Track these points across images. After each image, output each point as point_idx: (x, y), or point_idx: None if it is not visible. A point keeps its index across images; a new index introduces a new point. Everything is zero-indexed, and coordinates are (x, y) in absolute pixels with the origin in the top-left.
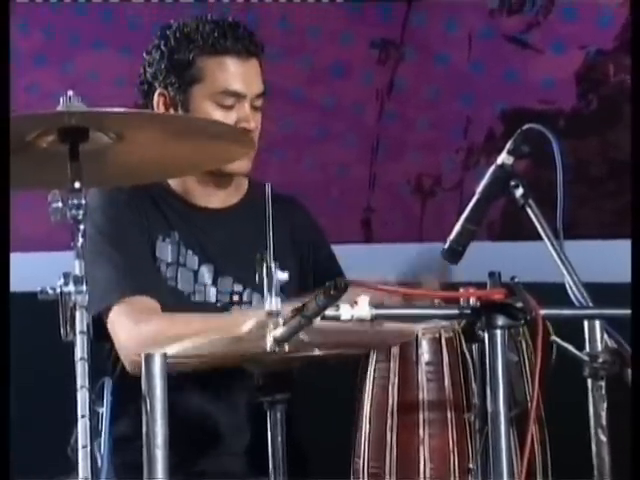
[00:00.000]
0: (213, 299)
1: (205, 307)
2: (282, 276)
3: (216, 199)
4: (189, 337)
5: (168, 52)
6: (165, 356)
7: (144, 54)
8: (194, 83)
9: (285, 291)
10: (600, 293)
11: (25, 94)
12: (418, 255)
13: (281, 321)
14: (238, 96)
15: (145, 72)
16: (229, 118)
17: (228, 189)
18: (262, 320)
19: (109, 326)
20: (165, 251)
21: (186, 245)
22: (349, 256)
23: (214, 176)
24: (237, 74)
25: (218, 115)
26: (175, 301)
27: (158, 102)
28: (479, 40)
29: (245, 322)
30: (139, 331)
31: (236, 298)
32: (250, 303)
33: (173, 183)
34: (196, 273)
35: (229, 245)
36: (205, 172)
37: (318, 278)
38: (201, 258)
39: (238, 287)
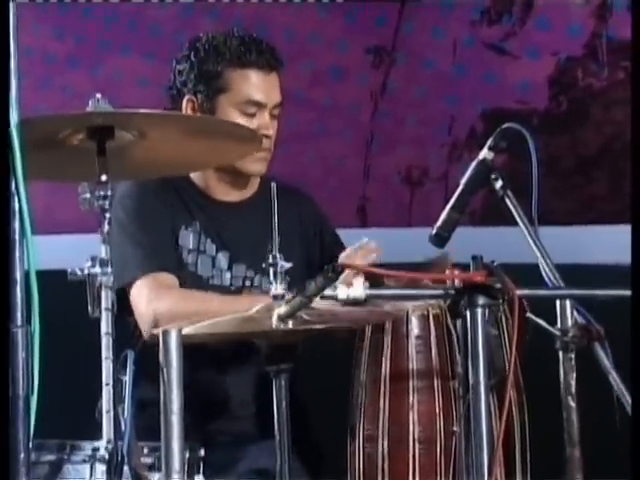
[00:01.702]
0: (228, 283)
1: (221, 290)
2: (285, 265)
3: (233, 194)
4: (202, 314)
5: (198, 63)
6: (180, 331)
7: (174, 62)
8: (220, 92)
9: (292, 276)
10: (570, 273)
11: (59, 94)
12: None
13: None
14: (259, 105)
15: (175, 79)
16: (251, 125)
17: (244, 186)
18: (269, 304)
19: (131, 298)
20: (187, 239)
21: (206, 234)
22: (346, 239)
23: (233, 175)
24: (259, 86)
25: (241, 122)
26: (195, 284)
27: (186, 107)
28: (462, 47)
29: (253, 304)
30: (157, 303)
31: (248, 283)
32: (260, 287)
33: (196, 179)
34: (214, 259)
35: (243, 234)
36: (225, 171)
37: (325, 259)
38: (218, 246)
39: (250, 273)
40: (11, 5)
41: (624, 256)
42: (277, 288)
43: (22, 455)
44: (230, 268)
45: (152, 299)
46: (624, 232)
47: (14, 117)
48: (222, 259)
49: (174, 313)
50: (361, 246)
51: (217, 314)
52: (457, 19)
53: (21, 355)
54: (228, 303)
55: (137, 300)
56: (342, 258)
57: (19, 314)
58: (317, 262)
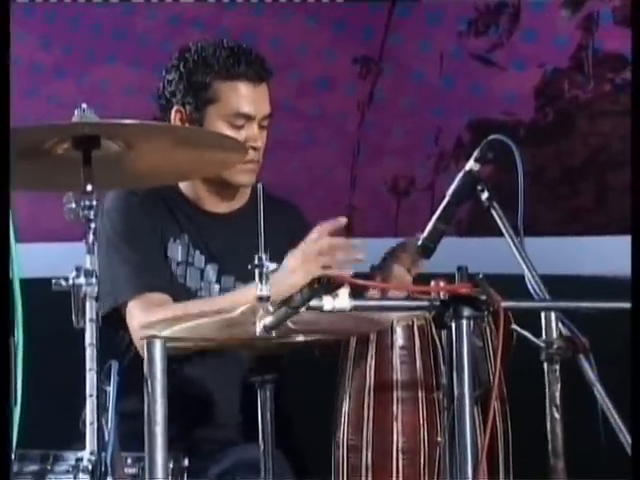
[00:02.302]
0: (217, 295)
1: None
2: (271, 266)
3: (222, 205)
4: (186, 317)
5: (187, 73)
6: (164, 342)
7: (163, 72)
8: (209, 104)
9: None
10: (555, 284)
11: (46, 103)
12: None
13: (270, 307)
14: (248, 117)
15: (164, 89)
16: (239, 137)
17: (233, 197)
18: (253, 306)
19: (127, 319)
20: (176, 251)
21: (194, 246)
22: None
23: (222, 186)
24: (248, 97)
25: (229, 133)
26: (184, 296)
27: (175, 117)
28: (449, 58)
29: (239, 302)
30: (150, 321)
31: None
32: None
33: (185, 190)
34: (202, 271)
35: (232, 246)
36: (214, 183)
37: None
38: (207, 258)
39: (239, 285)
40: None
41: (610, 267)
42: (262, 289)
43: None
44: (219, 280)
45: (143, 320)
46: (610, 243)
47: None
48: (211, 271)
49: (161, 326)
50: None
51: (201, 314)
52: (444, 30)
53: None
54: (209, 303)
55: (131, 321)
56: (313, 233)
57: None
58: None
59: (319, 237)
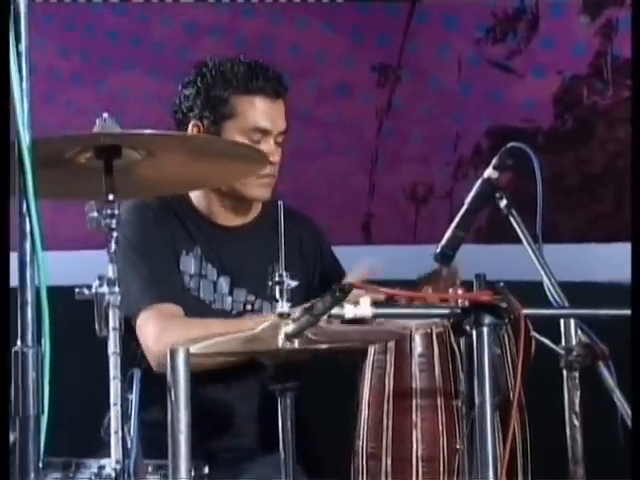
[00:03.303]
0: (229, 307)
1: (223, 314)
2: (292, 283)
3: (235, 219)
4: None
5: (204, 88)
6: (188, 351)
7: (180, 87)
8: (227, 118)
9: (293, 299)
10: (574, 291)
11: (64, 110)
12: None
13: (291, 320)
14: (265, 132)
15: (181, 103)
16: None
17: (247, 211)
18: (275, 321)
19: (137, 329)
20: (188, 264)
21: (207, 259)
22: (350, 256)
23: (236, 200)
24: (265, 112)
25: None
26: (198, 309)
27: (192, 132)
28: (467, 65)
29: (258, 324)
30: (163, 336)
31: (249, 307)
32: (261, 311)
33: (198, 204)
34: (215, 284)
35: (244, 259)
36: (229, 196)
37: (323, 280)
38: (219, 270)
39: (251, 297)
40: (23, 28)
41: (628, 274)
42: (283, 306)
43: (32, 475)
44: (231, 293)
45: (158, 334)
46: (628, 250)
47: (26, 138)
48: (223, 284)
49: (178, 343)
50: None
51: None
52: (462, 37)
53: (31, 375)
54: (231, 326)
55: (143, 334)
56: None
57: (30, 335)
58: (316, 284)
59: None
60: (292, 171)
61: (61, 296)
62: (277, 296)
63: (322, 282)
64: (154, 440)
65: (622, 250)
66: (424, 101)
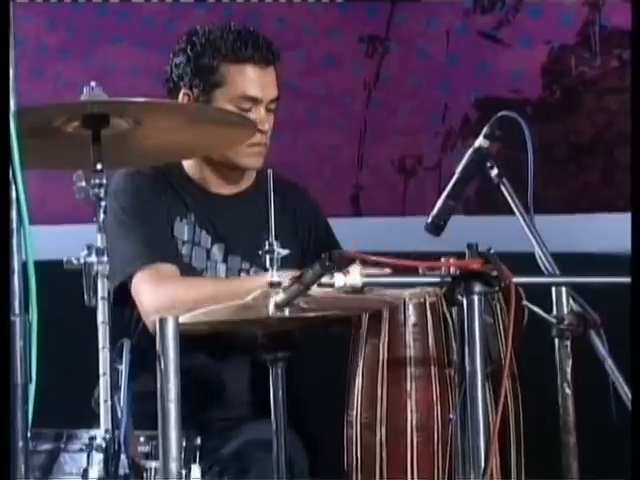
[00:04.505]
0: (223, 275)
1: None
2: (282, 252)
3: (228, 187)
4: (201, 299)
5: (194, 57)
6: (177, 320)
7: (171, 55)
8: (216, 87)
9: (286, 268)
10: (562, 261)
11: (52, 84)
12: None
13: (282, 289)
14: (255, 100)
15: (171, 72)
16: None
17: (239, 180)
18: (265, 290)
19: (132, 290)
20: (182, 230)
21: (200, 226)
22: (340, 228)
23: (229, 169)
24: (255, 81)
25: None
26: (190, 276)
27: (182, 100)
28: (455, 36)
29: (251, 288)
30: (159, 294)
31: (243, 275)
32: None
33: (191, 172)
34: (209, 251)
35: (238, 227)
36: (221, 165)
37: (318, 251)
38: (213, 238)
39: (245, 265)
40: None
41: (617, 244)
42: (273, 275)
43: (20, 444)
44: (225, 260)
45: (154, 290)
46: (617, 220)
47: (11, 106)
48: (217, 251)
49: (174, 302)
50: None
51: (215, 297)
52: (450, 8)
53: (19, 344)
54: (223, 285)
55: (139, 292)
56: None
57: (17, 303)
58: (310, 255)
59: None
60: (280, 143)
61: (50, 269)
62: (267, 265)
63: (317, 253)
64: (146, 412)
65: (610, 220)
66: (412, 72)
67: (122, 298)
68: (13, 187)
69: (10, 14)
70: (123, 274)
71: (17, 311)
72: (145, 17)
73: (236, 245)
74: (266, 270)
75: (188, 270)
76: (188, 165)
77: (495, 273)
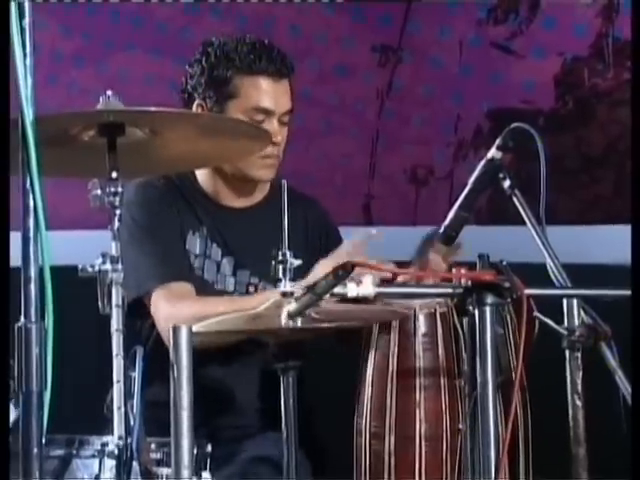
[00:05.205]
0: (231, 288)
1: (224, 295)
2: (295, 262)
3: (240, 200)
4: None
5: (208, 68)
6: (191, 329)
7: (186, 66)
8: (230, 98)
9: (297, 280)
10: (574, 273)
11: (66, 91)
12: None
13: (294, 299)
14: (268, 112)
15: (186, 83)
16: None
17: (252, 192)
18: (278, 300)
19: (151, 310)
20: (194, 244)
21: (212, 239)
22: (351, 237)
23: (241, 182)
24: (268, 93)
25: None
26: (201, 289)
27: (196, 111)
28: (469, 46)
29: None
30: (175, 314)
31: (252, 289)
32: None
33: (204, 184)
34: (219, 264)
35: (249, 240)
36: (233, 177)
37: None
38: (224, 251)
39: (254, 279)
40: (27, 5)
41: (629, 256)
42: (286, 285)
43: (35, 450)
44: (234, 274)
45: (169, 311)
46: (629, 232)
47: (29, 114)
48: (227, 265)
49: (188, 322)
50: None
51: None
52: (463, 18)
53: (35, 351)
54: (237, 304)
55: (156, 311)
56: (346, 245)
57: (33, 310)
58: None
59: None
60: (293, 152)
61: (64, 276)
62: (280, 275)
63: None
64: (158, 419)
65: (622, 232)
66: (425, 82)
67: (136, 311)
68: (31, 195)
69: (10, 15)
70: (137, 291)
71: (33, 318)
72: (159, 23)
73: (245, 259)
74: (275, 284)
75: (201, 283)
76: (201, 178)
77: (508, 285)
